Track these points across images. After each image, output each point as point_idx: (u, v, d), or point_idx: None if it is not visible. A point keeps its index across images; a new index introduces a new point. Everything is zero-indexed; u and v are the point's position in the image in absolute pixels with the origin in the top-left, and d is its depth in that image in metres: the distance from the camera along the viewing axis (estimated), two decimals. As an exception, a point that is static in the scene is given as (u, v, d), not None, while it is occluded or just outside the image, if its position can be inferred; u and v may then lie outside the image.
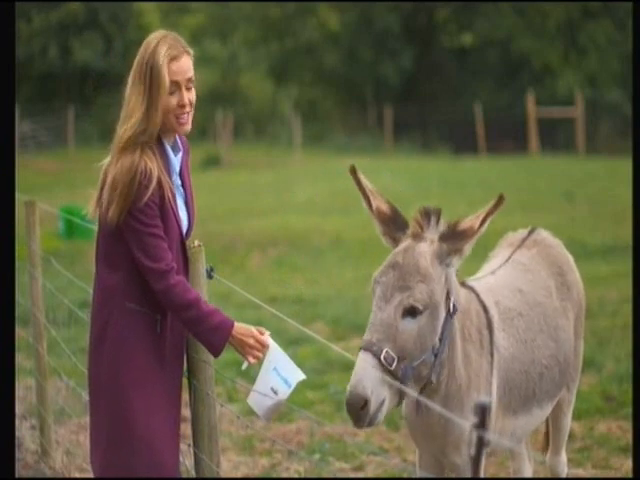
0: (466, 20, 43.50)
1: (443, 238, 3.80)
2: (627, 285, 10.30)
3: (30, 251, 6.52)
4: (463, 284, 4.20)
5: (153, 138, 3.85)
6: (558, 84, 40.08)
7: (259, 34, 44.63)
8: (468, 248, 3.82)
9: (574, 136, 37.34)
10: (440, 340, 3.77)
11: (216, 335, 3.83)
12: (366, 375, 3.59)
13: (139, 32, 34.89)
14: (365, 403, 3.59)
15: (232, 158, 33.65)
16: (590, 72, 40.73)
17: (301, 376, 3.86)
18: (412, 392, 3.72)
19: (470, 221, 3.81)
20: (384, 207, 3.94)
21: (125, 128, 3.82)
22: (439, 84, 43.88)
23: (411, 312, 3.70)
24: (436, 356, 3.76)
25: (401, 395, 3.71)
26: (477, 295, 4.21)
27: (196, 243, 4.05)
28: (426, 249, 3.78)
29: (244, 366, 3.94)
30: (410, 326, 3.69)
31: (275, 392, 3.79)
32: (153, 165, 3.81)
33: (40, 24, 38.35)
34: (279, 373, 3.80)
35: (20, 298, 6.81)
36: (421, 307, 3.70)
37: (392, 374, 3.63)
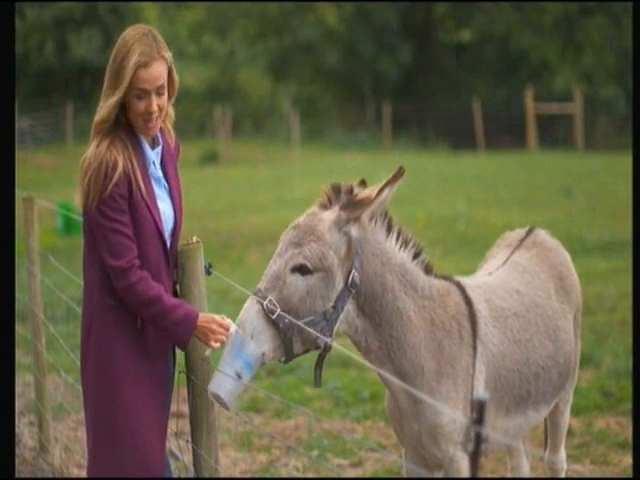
0: (464, 16, 43.51)
1: (343, 207, 3.96)
2: (625, 281, 10.31)
3: (28, 247, 6.51)
4: (445, 277, 4.26)
5: (111, 126, 3.87)
6: (556, 80, 40.08)
7: (258, 30, 44.61)
8: (366, 217, 3.95)
9: (572, 132, 37.33)
10: (334, 308, 3.91)
11: (181, 328, 3.81)
12: (248, 319, 3.82)
13: (137, 28, 34.80)
14: None
15: (230, 154, 33.65)
16: (587, 68, 40.73)
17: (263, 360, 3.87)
18: (297, 345, 3.86)
19: (369, 191, 3.96)
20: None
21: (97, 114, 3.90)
22: (437, 80, 43.88)
23: (301, 269, 3.88)
24: (327, 321, 3.90)
25: (287, 345, 3.85)
26: (462, 289, 4.24)
27: (194, 239, 4.03)
28: (328, 217, 3.96)
29: (207, 352, 3.93)
30: (298, 282, 3.87)
31: (239, 376, 3.79)
32: (119, 156, 3.80)
33: (34, 20, 38.30)
34: (242, 357, 3.80)
35: (18, 294, 6.81)
36: (310, 266, 3.87)
37: (274, 323, 3.81)
